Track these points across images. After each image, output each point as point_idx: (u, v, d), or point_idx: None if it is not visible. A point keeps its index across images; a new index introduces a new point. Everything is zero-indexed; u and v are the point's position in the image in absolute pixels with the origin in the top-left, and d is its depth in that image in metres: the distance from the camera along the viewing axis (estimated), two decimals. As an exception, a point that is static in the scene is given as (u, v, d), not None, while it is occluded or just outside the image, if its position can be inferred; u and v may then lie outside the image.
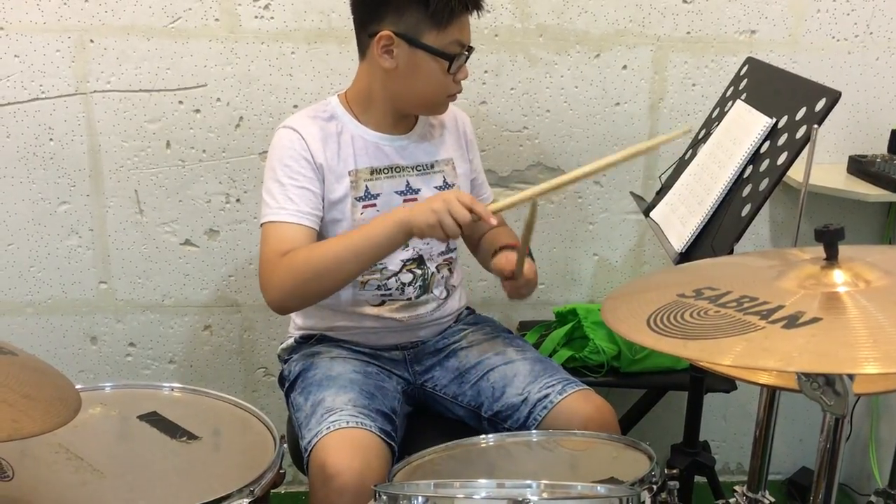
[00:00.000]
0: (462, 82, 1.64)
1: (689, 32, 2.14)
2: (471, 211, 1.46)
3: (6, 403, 1.04)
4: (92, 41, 2.04)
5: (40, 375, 1.17)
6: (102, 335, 2.27)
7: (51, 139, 2.10)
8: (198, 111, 2.11)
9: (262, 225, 1.62)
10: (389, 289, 1.70)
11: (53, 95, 2.07)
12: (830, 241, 1.05)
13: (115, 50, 2.05)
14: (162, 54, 2.06)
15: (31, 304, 2.23)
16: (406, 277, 1.71)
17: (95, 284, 2.23)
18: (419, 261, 1.72)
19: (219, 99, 2.10)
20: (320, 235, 1.64)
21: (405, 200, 1.69)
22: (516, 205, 1.54)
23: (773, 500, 1.45)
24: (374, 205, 1.66)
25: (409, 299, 1.72)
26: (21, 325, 2.24)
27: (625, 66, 2.15)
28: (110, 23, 2.03)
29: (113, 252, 2.20)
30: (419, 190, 1.71)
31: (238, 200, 2.18)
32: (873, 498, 1.91)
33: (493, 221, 1.49)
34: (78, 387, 1.24)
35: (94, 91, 2.07)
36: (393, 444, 1.51)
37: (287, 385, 1.73)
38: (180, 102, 2.10)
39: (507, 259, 1.65)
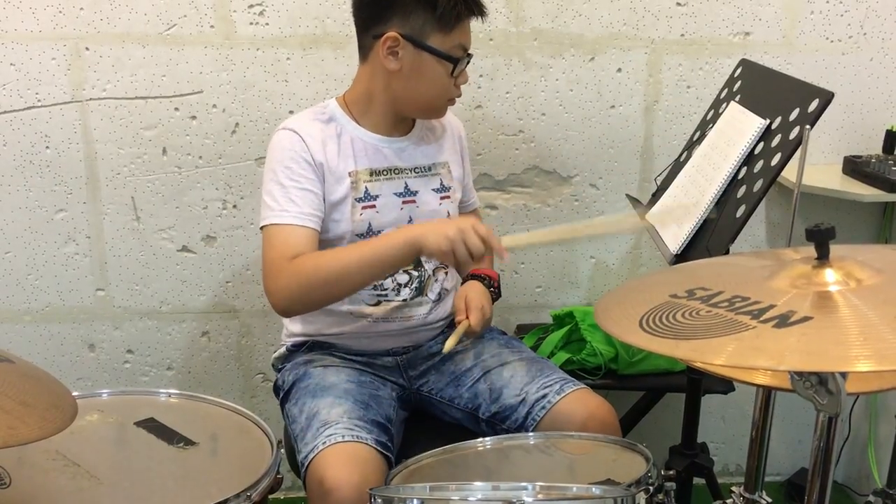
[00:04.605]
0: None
1: (683, 35, 2.14)
2: (484, 243, 1.46)
3: (2, 410, 1.04)
4: (87, 49, 2.04)
5: (37, 382, 1.17)
6: (100, 342, 2.27)
7: (47, 147, 2.11)
8: (194, 118, 2.11)
9: (263, 227, 1.61)
10: (385, 288, 1.71)
11: (49, 103, 2.08)
12: (821, 240, 1.05)
13: (110, 57, 2.05)
14: (157, 61, 2.06)
15: (29, 312, 2.23)
16: (402, 278, 1.71)
17: (93, 292, 2.23)
18: (417, 262, 1.73)
19: (215, 105, 2.11)
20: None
21: (404, 202, 1.70)
22: (528, 245, 1.54)
23: (770, 500, 1.44)
24: (374, 206, 1.67)
25: (405, 300, 1.72)
26: (19, 333, 2.24)
27: (619, 69, 2.16)
28: (106, 30, 2.04)
29: (110, 259, 2.20)
30: (417, 192, 1.71)
31: (235, 206, 2.18)
32: (872, 498, 1.92)
33: (507, 257, 1.49)
34: (75, 394, 1.25)
35: (90, 99, 2.08)
36: (389, 454, 1.51)
37: (282, 395, 1.73)
38: (176, 109, 2.10)
39: (459, 310, 1.72)
